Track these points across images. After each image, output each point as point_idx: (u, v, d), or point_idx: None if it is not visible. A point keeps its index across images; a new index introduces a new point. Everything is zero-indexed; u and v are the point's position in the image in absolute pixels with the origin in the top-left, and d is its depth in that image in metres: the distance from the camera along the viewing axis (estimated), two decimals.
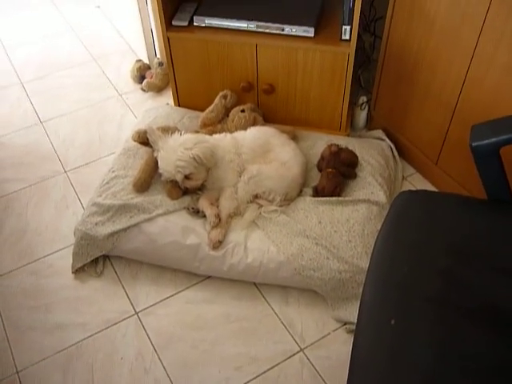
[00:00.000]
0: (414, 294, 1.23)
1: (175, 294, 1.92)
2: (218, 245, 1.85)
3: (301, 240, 1.85)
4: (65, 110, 2.70)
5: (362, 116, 2.44)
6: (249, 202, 1.96)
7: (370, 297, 1.26)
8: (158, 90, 2.78)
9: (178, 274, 1.97)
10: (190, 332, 1.81)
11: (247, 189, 1.94)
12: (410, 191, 1.52)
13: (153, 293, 1.92)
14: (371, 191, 2.00)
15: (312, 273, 1.81)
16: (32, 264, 2.02)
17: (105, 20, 3.36)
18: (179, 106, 2.49)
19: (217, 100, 2.27)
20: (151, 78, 2.75)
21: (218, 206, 1.93)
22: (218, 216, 1.89)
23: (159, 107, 2.44)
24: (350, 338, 1.71)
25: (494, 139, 1.35)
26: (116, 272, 1.99)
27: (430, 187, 2.23)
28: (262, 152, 2.03)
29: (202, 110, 2.30)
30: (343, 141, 2.19)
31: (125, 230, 1.91)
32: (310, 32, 2.09)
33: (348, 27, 2.02)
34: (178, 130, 2.04)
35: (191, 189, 1.96)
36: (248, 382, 1.69)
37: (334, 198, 1.95)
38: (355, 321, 1.26)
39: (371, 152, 2.17)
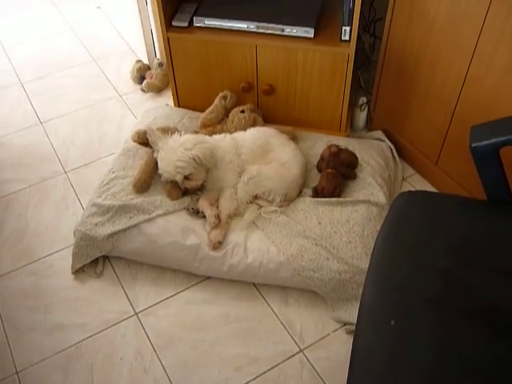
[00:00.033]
0: (414, 295, 1.23)
1: (175, 294, 1.92)
2: (217, 245, 1.85)
3: (300, 240, 1.85)
4: (65, 111, 2.70)
5: (361, 117, 2.45)
6: (248, 203, 1.96)
7: (369, 297, 1.26)
8: (158, 90, 2.78)
9: (177, 275, 1.97)
10: (190, 332, 1.81)
11: (247, 189, 1.94)
12: (409, 192, 1.52)
13: (152, 293, 1.92)
14: (371, 192, 2.00)
15: (312, 273, 1.81)
16: (32, 264, 2.02)
17: (105, 20, 3.36)
18: (179, 106, 2.49)
19: (216, 101, 2.27)
20: (151, 78, 2.76)
21: (217, 207, 1.93)
22: (217, 216, 1.89)
23: (159, 108, 2.44)
24: (350, 339, 1.70)
25: (493, 140, 1.35)
26: (116, 272, 1.99)
27: (429, 188, 2.23)
28: (261, 152, 2.03)
29: (202, 110, 2.30)
30: (343, 141, 2.19)
31: (124, 230, 1.91)
32: (309, 33, 2.09)
33: (348, 28, 2.02)
34: (178, 131, 2.04)
35: (191, 189, 1.96)
36: (248, 382, 1.69)
37: (333, 199, 1.95)
38: (355, 321, 1.26)
39: (371, 153, 2.17)
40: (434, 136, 2.10)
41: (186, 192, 1.98)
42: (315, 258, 1.81)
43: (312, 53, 2.11)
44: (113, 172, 2.07)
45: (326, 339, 1.79)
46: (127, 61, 3.00)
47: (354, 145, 2.18)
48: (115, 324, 1.84)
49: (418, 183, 2.26)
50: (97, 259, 1.98)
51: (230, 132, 2.15)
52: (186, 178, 1.91)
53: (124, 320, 1.85)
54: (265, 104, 2.35)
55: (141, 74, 2.82)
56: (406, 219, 1.43)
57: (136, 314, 1.87)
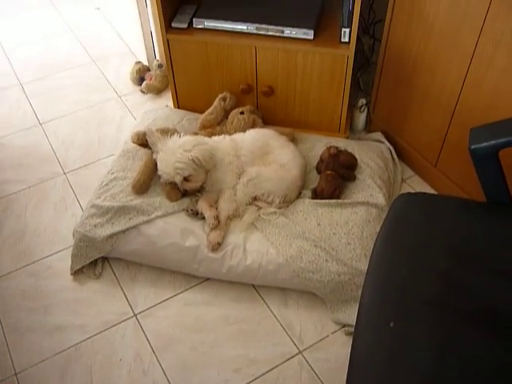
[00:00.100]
0: (413, 297, 1.23)
1: (174, 295, 1.92)
2: (216, 247, 1.85)
3: (300, 242, 1.85)
4: (64, 112, 2.70)
5: (361, 118, 2.45)
6: (248, 204, 1.96)
7: (368, 299, 1.26)
8: (158, 91, 2.78)
9: (176, 276, 1.97)
10: (189, 334, 1.81)
11: (246, 191, 1.94)
12: (409, 194, 1.52)
13: (151, 295, 1.92)
14: (370, 193, 2.00)
15: (311, 275, 1.81)
16: (31, 265, 2.02)
17: (104, 22, 3.36)
18: (178, 107, 2.49)
19: (216, 102, 2.27)
20: (150, 79, 2.76)
21: (217, 208, 1.93)
22: (217, 218, 1.89)
23: (158, 109, 2.44)
24: (349, 341, 1.70)
25: (492, 142, 1.35)
26: (115, 274, 1.99)
27: (429, 190, 2.23)
28: (261, 154, 2.03)
29: (202, 111, 2.30)
30: (342, 143, 2.19)
31: (124, 231, 1.91)
32: (309, 34, 2.09)
33: (347, 30, 2.02)
34: (177, 132, 2.04)
35: (190, 191, 1.97)
36: None
37: (333, 201, 1.95)
38: (354, 323, 1.26)
39: (370, 154, 2.17)
40: (434, 138, 2.10)
41: (185, 193, 1.98)
42: (314, 259, 1.81)
43: (311, 54, 2.11)
44: (112, 173, 2.07)
45: (325, 341, 1.79)
46: (127, 62, 3.00)
47: (354, 146, 2.18)
48: (114, 325, 1.84)
49: (417, 185, 2.26)
50: (96, 260, 1.98)
51: (230, 133, 2.15)
52: (186, 179, 1.91)
53: (123, 321, 1.85)
54: (264, 105, 2.35)
55: (140, 75, 2.82)
56: (405, 221, 1.43)
57: (135, 315, 1.87)
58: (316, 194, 1.99)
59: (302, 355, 1.75)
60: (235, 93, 2.30)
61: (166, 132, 2.06)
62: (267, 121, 2.33)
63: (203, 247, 1.87)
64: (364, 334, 1.20)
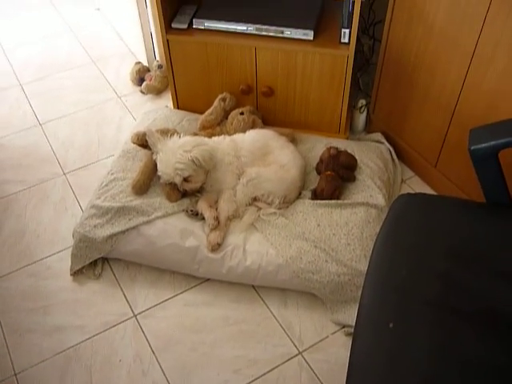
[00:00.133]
0: (413, 298, 1.23)
1: (174, 296, 1.92)
2: (216, 247, 1.85)
3: (299, 243, 1.85)
4: (64, 112, 2.70)
5: (361, 119, 2.45)
6: (248, 205, 1.96)
7: (368, 300, 1.26)
8: (157, 92, 2.78)
9: (176, 277, 1.97)
10: (189, 335, 1.81)
11: (246, 191, 1.94)
12: (408, 194, 1.52)
13: (151, 295, 1.92)
14: (370, 194, 2.00)
15: (311, 275, 1.81)
16: (30, 266, 2.02)
17: (104, 22, 3.36)
18: (178, 108, 2.49)
19: (216, 102, 2.27)
20: (150, 80, 2.76)
21: (216, 209, 1.93)
22: (216, 218, 1.89)
23: (158, 109, 2.44)
24: (349, 341, 1.71)
25: (492, 143, 1.35)
26: (114, 274, 1.99)
27: (428, 190, 2.23)
28: (260, 155, 2.03)
29: (201, 112, 2.30)
30: (342, 144, 2.19)
31: (123, 232, 1.91)
32: (309, 35, 2.10)
33: (347, 30, 2.02)
34: (177, 133, 2.04)
35: (190, 191, 1.96)
36: None
37: (332, 201, 1.95)
38: (354, 324, 1.26)
39: (370, 155, 2.17)
40: (433, 138, 2.10)
41: (185, 194, 1.98)
42: (314, 260, 1.81)
43: (311, 55, 2.11)
44: (112, 174, 2.07)
45: (325, 341, 1.79)
46: (126, 62, 3.00)
47: (353, 147, 2.18)
48: (114, 326, 1.84)
49: (417, 185, 2.26)
50: (96, 261, 1.98)
51: (230, 134, 2.15)
52: (185, 179, 1.91)
53: (123, 322, 1.85)
54: (264, 106, 2.35)
55: (140, 75, 2.82)
56: (405, 221, 1.43)
57: (135, 315, 1.87)
58: (316, 195, 1.99)
59: (302, 356, 1.75)
60: (235, 93, 2.30)
61: (166, 132, 2.06)
62: (267, 121, 2.33)
63: (203, 248, 1.87)
64: (364, 334, 1.20)
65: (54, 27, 3.33)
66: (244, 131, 2.13)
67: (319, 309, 1.86)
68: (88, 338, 1.81)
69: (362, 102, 2.40)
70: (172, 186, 1.95)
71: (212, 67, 2.28)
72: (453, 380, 1.08)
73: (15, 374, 1.73)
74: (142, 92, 2.79)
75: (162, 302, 1.90)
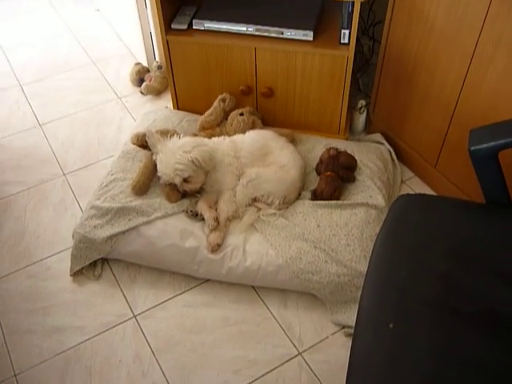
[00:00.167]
0: (413, 298, 1.23)
1: (173, 297, 1.92)
2: (216, 248, 1.85)
3: (299, 243, 1.85)
4: (64, 113, 2.70)
5: (360, 120, 2.45)
6: (247, 206, 1.96)
7: (368, 300, 1.26)
8: (157, 93, 2.78)
9: (176, 277, 1.97)
10: (189, 335, 1.81)
11: (246, 192, 1.94)
12: (408, 195, 1.52)
13: (151, 296, 1.92)
14: (370, 195, 2.00)
15: (310, 276, 1.81)
16: (30, 267, 2.02)
17: (104, 23, 3.37)
18: (178, 109, 2.49)
19: (216, 103, 2.27)
20: (150, 81, 2.76)
21: (216, 209, 1.93)
22: (216, 219, 1.89)
23: (158, 110, 2.44)
24: (349, 342, 1.71)
25: (492, 143, 1.35)
26: (114, 275, 1.99)
27: (428, 191, 2.23)
28: (260, 155, 2.03)
29: (201, 113, 2.30)
30: (342, 144, 2.19)
31: (123, 232, 1.91)
32: (309, 36, 2.10)
33: (347, 31, 2.02)
34: (177, 133, 2.04)
35: (190, 192, 1.96)
36: None
37: (332, 202, 1.95)
38: (353, 324, 1.26)
39: (370, 156, 2.17)
40: (433, 139, 2.10)
41: (184, 194, 1.98)
42: (314, 260, 1.81)
43: (311, 56, 2.11)
44: (112, 174, 2.07)
45: (325, 342, 1.79)
46: (126, 63, 3.00)
47: (353, 148, 2.18)
48: (114, 327, 1.84)
49: (416, 186, 2.26)
50: (95, 261, 1.98)
51: (229, 135, 2.15)
52: (185, 180, 1.91)
53: (122, 323, 1.85)
54: (264, 107, 2.35)
55: (140, 76, 2.82)
56: (404, 222, 1.43)
57: (134, 316, 1.87)
58: (315, 196, 1.99)
59: (302, 356, 1.75)
60: (235, 94, 2.30)
61: (166, 133, 2.05)
62: (267, 122, 2.33)
63: (203, 248, 1.87)
64: (364, 335, 1.20)
65: (53, 28, 3.33)
66: (244, 132, 2.13)
67: (319, 309, 1.86)
68: (88, 339, 1.81)
69: (362, 102, 2.41)
70: (172, 186, 1.95)
71: (212, 68, 2.28)
72: (452, 380, 1.08)
73: (15, 375, 1.73)
74: (141, 93, 2.79)
75: (162, 302, 1.90)
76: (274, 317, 1.85)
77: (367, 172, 2.08)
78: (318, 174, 2.08)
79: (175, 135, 1.99)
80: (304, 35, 2.10)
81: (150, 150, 2.02)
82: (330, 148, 2.08)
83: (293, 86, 2.24)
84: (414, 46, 1.98)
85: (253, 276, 1.86)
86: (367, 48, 2.47)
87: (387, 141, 2.31)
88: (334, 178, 1.99)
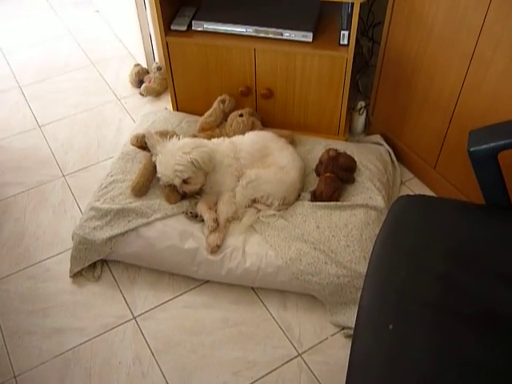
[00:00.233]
0: (412, 299, 1.23)
1: (173, 298, 1.92)
2: (216, 249, 1.85)
3: (299, 244, 1.85)
4: (63, 114, 2.70)
5: (360, 121, 2.45)
6: (247, 207, 1.96)
7: (368, 301, 1.26)
8: (157, 94, 2.78)
9: (176, 279, 1.97)
10: (188, 336, 1.81)
11: (245, 193, 1.94)
12: (408, 196, 1.52)
13: (151, 297, 1.92)
14: (369, 196, 2.00)
15: (310, 277, 1.81)
16: (30, 268, 2.02)
17: (104, 24, 3.37)
18: (177, 110, 2.49)
19: (215, 104, 2.27)
20: (149, 82, 2.76)
21: (216, 211, 1.93)
22: (216, 220, 1.89)
23: (157, 111, 2.44)
24: (348, 343, 1.71)
25: (491, 144, 1.35)
26: (114, 276, 1.99)
27: (428, 192, 2.23)
28: (260, 156, 2.03)
29: (201, 114, 2.30)
30: (341, 145, 2.19)
31: (123, 234, 1.90)
32: (308, 37, 2.10)
33: (346, 32, 2.03)
34: (177, 135, 2.04)
35: (189, 193, 1.96)
36: None
37: (332, 203, 1.95)
38: (353, 325, 1.26)
39: (369, 157, 2.17)
40: (433, 140, 2.10)
41: (184, 196, 1.98)
42: (313, 262, 1.81)
43: (310, 57, 2.11)
44: (111, 176, 2.07)
45: (325, 343, 1.79)
46: (126, 65, 3.00)
47: (353, 149, 2.19)
48: (113, 328, 1.84)
49: (416, 187, 2.26)
50: (95, 263, 1.98)
51: (229, 136, 2.15)
52: (185, 181, 1.91)
53: (122, 324, 1.85)
54: (263, 108, 2.35)
55: (139, 77, 2.82)
56: (404, 223, 1.43)
57: (134, 317, 1.87)
58: (315, 197, 1.99)
59: (302, 358, 1.75)
60: (234, 95, 2.30)
61: (165, 134, 2.06)
62: (266, 123, 2.33)
63: (202, 250, 1.87)
64: (363, 336, 1.20)
65: (53, 30, 3.33)
66: (243, 133, 2.13)
67: (319, 310, 1.86)
68: (87, 340, 1.81)
69: (361, 103, 2.41)
70: (171, 187, 1.95)
71: (211, 69, 2.28)
72: (452, 381, 1.08)
73: (15, 377, 1.72)
74: (141, 94, 2.79)
75: (162, 303, 1.90)
76: (273, 318, 1.85)
77: (367, 173, 2.08)
78: (318, 175, 2.08)
79: (175, 136, 1.99)
80: (303, 36, 2.10)
81: (149, 151, 2.02)
82: (330, 149, 2.08)
83: (292, 87, 2.24)
84: (414, 47, 1.98)
85: (252, 277, 1.86)
86: (366, 49, 2.47)
87: (387, 142, 2.31)
88: (333, 179, 1.99)
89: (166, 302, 1.91)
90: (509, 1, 1.57)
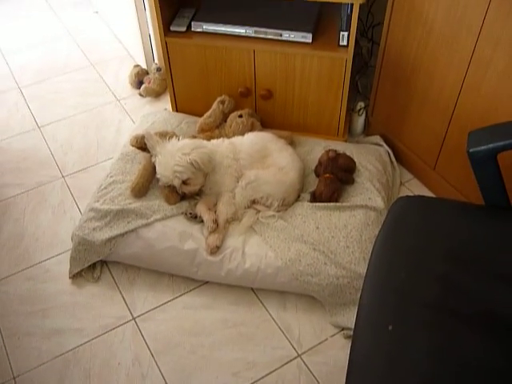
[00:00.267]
0: (412, 300, 1.23)
1: (173, 299, 1.92)
2: (215, 250, 1.85)
3: (298, 245, 1.85)
4: (62, 115, 2.70)
5: (359, 122, 2.45)
6: (246, 208, 1.96)
7: (367, 302, 1.26)
8: (156, 95, 2.78)
9: (175, 280, 1.96)
10: (188, 337, 1.81)
11: (245, 194, 1.94)
12: (407, 197, 1.52)
13: (150, 298, 1.92)
14: (369, 197, 2.00)
15: (310, 278, 1.80)
16: (29, 269, 2.02)
17: (103, 25, 3.37)
18: (177, 111, 2.49)
19: (215, 105, 2.27)
20: (149, 83, 2.76)
21: (215, 212, 1.93)
22: (215, 221, 1.88)
23: (157, 112, 2.44)
24: (348, 344, 1.71)
25: (491, 145, 1.35)
26: (113, 277, 1.98)
27: (427, 193, 2.23)
28: (259, 157, 2.03)
29: (200, 115, 2.30)
30: (341, 146, 2.19)
31: (122, 235, 1.90)
32: (307, 38, 2.10)
33: (346, 33, 2.03)
34: (176, 136, 2.04)
35: (189, 194, 1.96)
36: None
37: (331, 204, 1.95)
38: (353, 326, 1.26)
39: (369, 158, 2.17)
40: (432, 141, 2.10)
41: (183, 197, 1.98)
42: (313, 262, 1.81)
43: (310, 58, 2.11)
44: (111, 176, 2.07)
45: (324, 344, 1.78)
46: (125, 65, 3.00)
47: (352, 150, 2.19)
48: (113, 329, 1.84)
49: (415, 188, 2.26)
50: (94, 264, 1.98)
51: (228, 137, 2.15)
52: (184, 182, 1.91)
53: (121, 325, 1.85)
54: (263, 109, 2.35)
55: (139, 78, 2.82)
56: (403, 224, 1.43)
57: (134, 318, 1.87)
58: (315, 198, 1.99)
59: (301, 358, 1.75)
60: (234, 96, 2.30)
61: (165, 135, 2.06)
62: (266, 124, 2.33)
63: (202, 250, 1.87)
64: (363, 337, 1.20)
65: (52, 31, 3.33)
66: (243, 134, 2.13)
67: (318, 311, 1.86)
68: (87, 341, 1.81)
69: (361, 104, 2.41)
70: (171, 188, 1.95)
71: (211, 70, 2.28)
72: (451, 382, 1.08)
73: (14, 378, 1.72)
74: (140, 95, 2.79)
75: (161, 304, 1.90)
76: (273, 319, 1.85)
77: (366, 174, 2.08)
78: (317, 175, 2.08)
79: (174, 137, 1.99)
80: (303, 37, 2.10)
81: (148, 152, 2.02)
82: (329, 150, 2.08)
83: (292, 88, 2.24)
84: (413, 47, 1.98)
85: (252, 278, 1.86)
86: (366, 50, 2.47)
87: (386, 143, 2.32)
88: (332, 180, 1.99)
89: (165, 302, 1.91)
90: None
